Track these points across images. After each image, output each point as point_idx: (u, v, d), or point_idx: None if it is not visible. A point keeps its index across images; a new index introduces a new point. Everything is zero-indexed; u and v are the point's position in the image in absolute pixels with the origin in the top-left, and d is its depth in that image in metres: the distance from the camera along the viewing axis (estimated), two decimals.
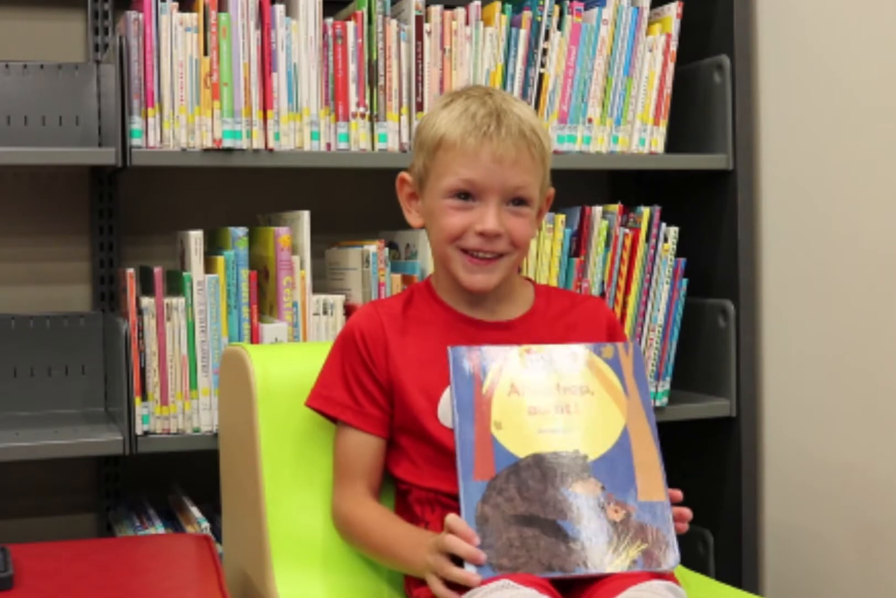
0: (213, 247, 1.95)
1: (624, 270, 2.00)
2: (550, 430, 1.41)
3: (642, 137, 2.05)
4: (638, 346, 1.51)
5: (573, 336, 1.54)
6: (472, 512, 1.35)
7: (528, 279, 1.66)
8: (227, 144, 1.84)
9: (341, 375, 1.55)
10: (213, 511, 1.94)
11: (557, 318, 1.59)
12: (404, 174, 1.59)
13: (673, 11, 2.05)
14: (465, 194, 1.49)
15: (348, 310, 1.88)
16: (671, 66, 2.05)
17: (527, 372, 1.44)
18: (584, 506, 1.36)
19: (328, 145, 1.90)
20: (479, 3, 1.96)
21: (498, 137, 1.46)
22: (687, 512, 1.41)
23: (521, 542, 1.34)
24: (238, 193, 2.18)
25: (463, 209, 1.49)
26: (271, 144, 1.86)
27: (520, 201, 1.50)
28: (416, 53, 1.93)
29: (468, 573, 1.31)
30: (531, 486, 1.37)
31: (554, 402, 1.43)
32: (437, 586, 1.34)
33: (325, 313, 1.89)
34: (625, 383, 1.46)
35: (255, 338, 1.86)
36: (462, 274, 1.51)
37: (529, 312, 1.59)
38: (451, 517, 1.34)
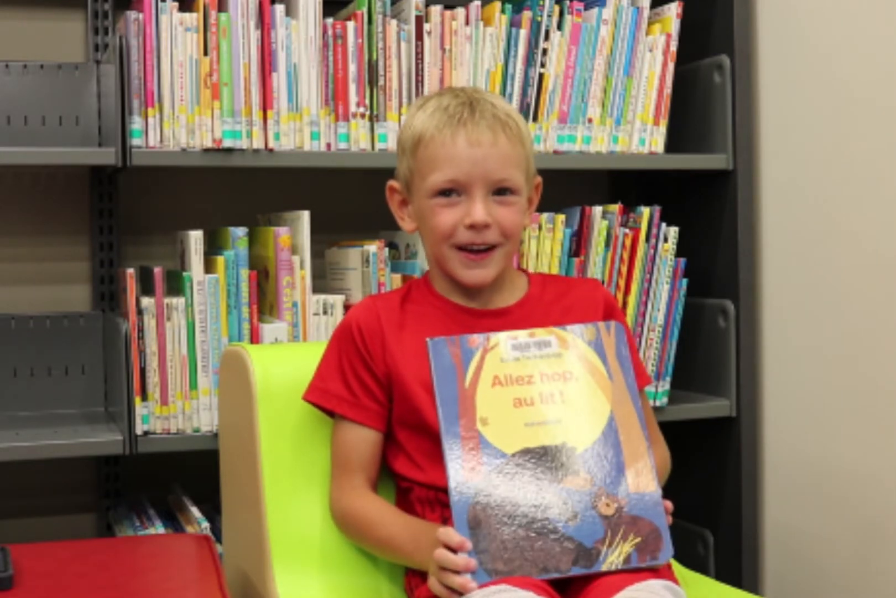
0: (213, 247, 1.95)
1: (624, 270, 2.00)
2: (537, 422, 1.39)
3: (642, 137, 2.05)
4: (622, 325, 1.47)
5: (570, 319, 1.53)
6: (463, 516, 1.34)
7: (523, 270, 1.66)
8: (227, 144, 1.84)
9: (338, 368, 1.55)
10: (213, 511, 1.94)
11: (554, 302, 1.59)
12: (392, 182, 1.60)
13: (673, 11, 2.05)
14: (450, 191, 1.50)
15: (348, 310, 1.88)
16: (671, 66, 2.05)
17: (509, 361, 1.42)
18: (575, 502, 1.35)
19: (328, 145, 1.90)
20: (479, 3, 1.96)
21: (472, 121, 1.49)
22: (668, 505, 1.40)
23: (514, 544, 1.33)
24: (238, 193, 2.18)
25: (450, 206, 1.50)
26: (271, 144, 1.86)
27: (505, 191, 1.51)
28: (416, 53, 1.93)
29: (464, 579, 1.31)
30: (521, 485, 1.36)
31: (538, 392, 1.41)
32: (437, 587, 1.35)
33: (325, 313, 1.89)
34: (608, 366, 1.44)
35: (255, 338, 1.86)
36: (460, 271, 1.52)
37: (525, 298, 1.59)
38: (441, 531, 1.34)
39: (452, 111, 1.51)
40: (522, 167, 1.52)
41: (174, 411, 1.84)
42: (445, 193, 1.50)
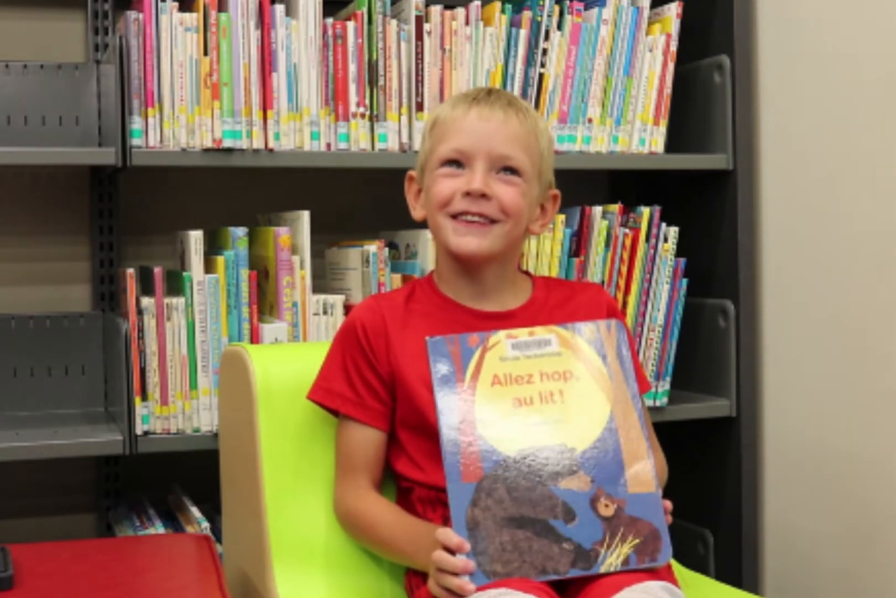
0: (213, 247, 1.95)
1: (624, 270, 2.00)
2: (536, 423, 1.39)
3: (642, 137, 2.05)
4: (622, 324, 1.47)
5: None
6: (461, 517, 1.33)
7: (526, 272, 1.66)
8: (227, 144, 1.84)
9: (342, 367, 1.55)
10: (213, 511, 1.94)
11: (558, 306, 1.59)
12: (411, 172, 1.61)
13: (673, 11, 2.05)
14: (455, 163, 1.51)
15: (348, 310, 1.88)
16: (671, 66, 2.05)
17: (509, 360, 1.42)
18: (574, 503, 1.35)
19: (328, 145, 1.90)
20: (479, 3, 1.96)
21: (487, 101, 1.53)
22: (668, 505, 1.40)
23: (513, 546, 1.33)
24: (238, 193, 2.18)
25: (452, 176, 1.51)
26: (271, 144, 1.86)
27: (510, 170, 1.51)
28: (416, 53, 1.93)
29: (462, 581, 1.31)
30: (520, 485, 1.35)
31: (538, 391, 1.40)
32: (436, 589, 1.34)
33: (325, 313, 1.89)
34: (608, 365, 1.43)
35: (255, 338, 1.86)
36: (452, 239, 1.51)
37: (529, 301, 1.59)
38: (439, 532, 1.34)
39: (471, 94, 1.55)
40: (532, 155, 1.53)
41: (174, 411, 1.84)
42: (450, 163, 1.51)
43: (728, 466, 2.10)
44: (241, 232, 1.86)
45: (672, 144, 2.09)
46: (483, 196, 1.49)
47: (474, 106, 1.51)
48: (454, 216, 1.51)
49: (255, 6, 1.85)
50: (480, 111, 1.51)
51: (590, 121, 2.02)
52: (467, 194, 1.49)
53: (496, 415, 1.39)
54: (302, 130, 1.88)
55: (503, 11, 1.97)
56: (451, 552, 1.33)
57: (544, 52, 1.99)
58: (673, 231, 2.03)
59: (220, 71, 1.83)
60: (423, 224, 1.61)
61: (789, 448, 2.05)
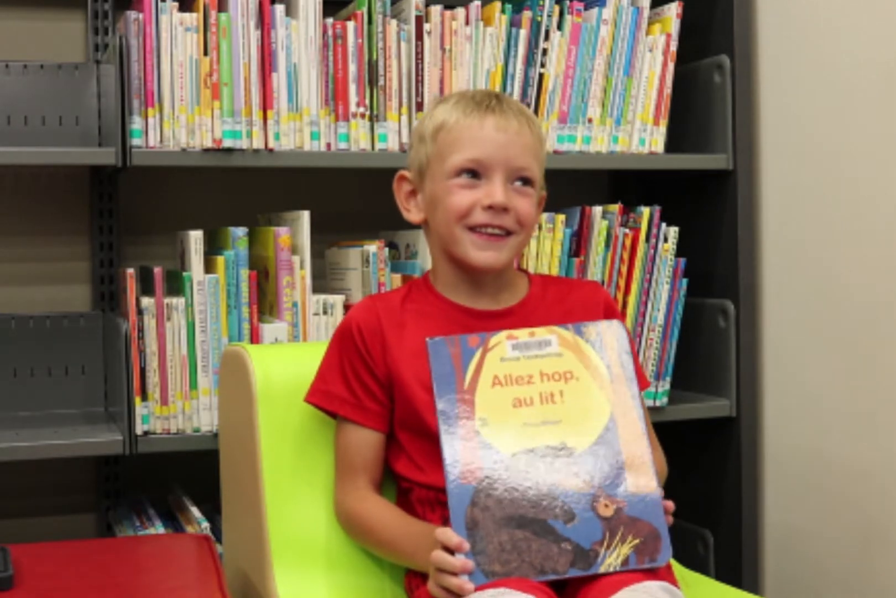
0: (213, 247, 1.95)
1: (624, 270, 2.00)
2: (536, 423, 1.39)
3: (642, 137, 2.05)
4: (622, 323, 1.47)
5: (571, 321, 1.53)
6: (461, 517, 1.33)
7: (523, 270, 1.66)
8: (227, 144, 1.84)
9: (339, 369, 1.55)
10: (213, 511, 1.94)
11: (555, 304, 1.59)
12: (403, 172, 1.59)
13: (673, 11, 2.05)
14: (472, 173, 1.50)
15: (348, 310, 1.88)
16: (671, 66, 2.05)
17: (509, 360, 1.42)
18: (574, 503, 1.35)
19: (328, 145, 1.90)
20: (479, 3, 1.96)
21: (500, 109, 1.51)
22: (670, 505, 1.39)
23: (512, 545, 1.32)
24: (238, 193, 2.18)
25: (469, 187, 1.50)
26: (271, 144, 1.86)
27: (524, 181, 1.51)
28: (416, 53, 1.93)
29: (461, 581, 1.30)
30: (519, 485, 1.35)
31: (538, 392, 1.40)
32: (435, 589, 1.34)
33: (325, 313, 1.89)
34: (609, 365, 1.43)
35: (255, 338, 1.86)
36: (471, 252, 1.50)
37: (526, 299, 1.59)
38: (439, 532, 1.34)
39: (480, 99, 1.53)
40: (540, 163, 1.54)
41: (174, 411, 1.84)
42: (466, 173, 1.50)
43: (728, 466, 2.10)
44: (241, 232, 1.86)
45: (672, 144, 2.09)
46: (504, 209, 1.49)
47: (489, 115, 1.50)
48: (471, 228, 1.50)
49: (255, 6, 1.85)
50: (497, 121, 1.50)
51: (590, 121, 2.02)
52: (489, 207, 1.49)
53: (496, 416, 1.39)
54: (302, 130, 1.88)
55: (503, 11, 1.97)
56: (451, 551, 1.33)
57: (544, 52, 1.99)
58: (673, 231, 2.03)
59: (220, 71, 1.83)
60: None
61: (789, 448, 2.05)
